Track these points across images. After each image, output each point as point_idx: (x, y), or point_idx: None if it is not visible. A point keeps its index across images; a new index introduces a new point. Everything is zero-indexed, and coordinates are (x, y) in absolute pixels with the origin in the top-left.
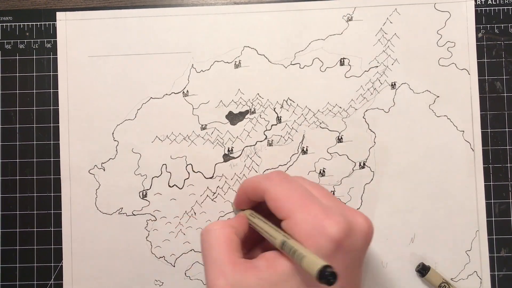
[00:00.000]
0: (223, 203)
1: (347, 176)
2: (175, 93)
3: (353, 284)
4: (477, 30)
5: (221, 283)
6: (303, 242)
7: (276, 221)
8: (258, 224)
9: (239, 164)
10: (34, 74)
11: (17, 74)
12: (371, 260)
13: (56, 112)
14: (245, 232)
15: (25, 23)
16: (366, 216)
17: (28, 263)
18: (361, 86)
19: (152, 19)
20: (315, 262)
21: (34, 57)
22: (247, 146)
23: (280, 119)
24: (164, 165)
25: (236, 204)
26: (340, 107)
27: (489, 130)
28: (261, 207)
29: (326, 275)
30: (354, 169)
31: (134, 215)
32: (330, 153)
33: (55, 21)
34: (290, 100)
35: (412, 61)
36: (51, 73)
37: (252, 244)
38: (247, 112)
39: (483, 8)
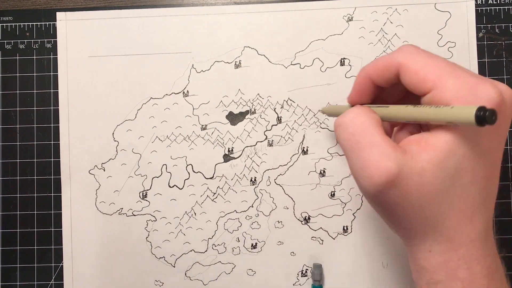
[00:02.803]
0: (223, 203)
1: (347, 177)
2: (175, 93)
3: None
4: (478, 30)
5: (389, 165)
6: None
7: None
8: (389, 108)
9: (239, 164)
10: (35, 74)
11: (18, 74)
12: (371, 260)
13: (56, 112)
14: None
15: (26, 23)
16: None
17: (29, 263)
18: None
19: (152, 19)
20: (468, 108)
21: (35, 57)
22: (247, 147)
23: (281, 119)
24: (164, 166)
25: (354, 97)
26: None
27: None
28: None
29: (485, 115)
30: None
31: (134, 215)
32: (331, 153)
33: (55, 21)
34: (291, 100)
35: None
36: (51, 73)
37: None
38: (247, 112)
39: (483, 8)
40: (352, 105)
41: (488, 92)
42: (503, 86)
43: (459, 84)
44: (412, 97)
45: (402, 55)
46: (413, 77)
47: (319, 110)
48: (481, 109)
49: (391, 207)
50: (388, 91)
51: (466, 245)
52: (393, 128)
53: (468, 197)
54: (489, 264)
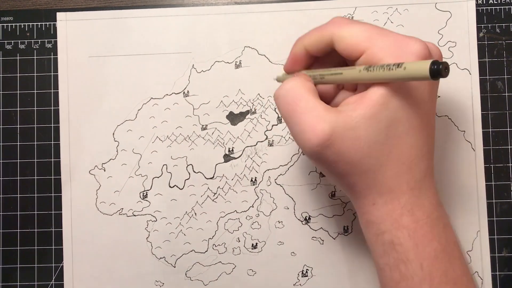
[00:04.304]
0: (224, 204)
1: None
2: (175, 94)
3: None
4: (478, 29)
5: (323, 126)
6: None
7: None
8: (327, 72)
9: (240, 164)
10: (35, 74)
11: (18, 75)
12: (371, 260)
13: (57, 113)
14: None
15: (26, 23)
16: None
17: (29, 263)
18: None
19: (153, 19)
20: (420, 64)
21: (35, 57)
22: (247, 147)
23: (281, 119)
24: (165, 166)
25: (290, 65)
26: None
27: (490, 130)
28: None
29: (440, 68)
30: None
31: (135, 215)
32: None
33: (56, 21)
34: None
35: None
36: (52, 74)
37: None
38: (247, 112)
39: (484, 8)
40: (288, 73)
41: (416, 46)
42: (431, 44)
43: (388, 42)
44: (344, 65)
45: (334, 25)
46: (347, 42)
47: (274, 79)
48: (435, 63)
49: (332, 165)
50: (321, 60)
51: (407, 193)
52: (338, 90)
53: (404, 147)
54: (431, 211)
